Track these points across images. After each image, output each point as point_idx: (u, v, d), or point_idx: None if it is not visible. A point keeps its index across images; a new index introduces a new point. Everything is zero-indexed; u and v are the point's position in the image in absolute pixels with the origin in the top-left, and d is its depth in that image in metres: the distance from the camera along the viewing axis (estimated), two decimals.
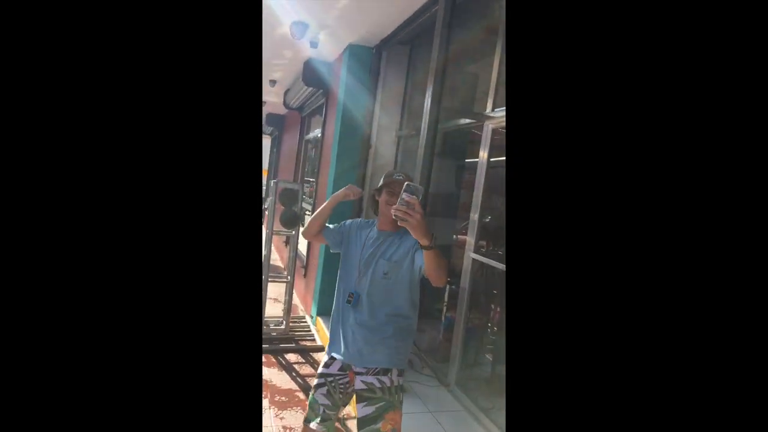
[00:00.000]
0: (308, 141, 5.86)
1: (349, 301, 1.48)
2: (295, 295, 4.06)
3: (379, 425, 1.37)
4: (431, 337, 3.36)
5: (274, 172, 9.12)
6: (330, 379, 1.50)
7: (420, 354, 3.15)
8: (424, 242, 1.23)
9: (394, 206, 1.19)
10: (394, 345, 1.43)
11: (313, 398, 1.51)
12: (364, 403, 1.40)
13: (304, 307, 4.36)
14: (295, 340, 3.47)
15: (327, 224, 1.67)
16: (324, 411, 1.48)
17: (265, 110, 7.70)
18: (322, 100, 4.46)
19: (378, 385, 1.40)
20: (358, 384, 1.43)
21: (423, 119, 2.54)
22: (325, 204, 1.63)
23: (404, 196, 1.19)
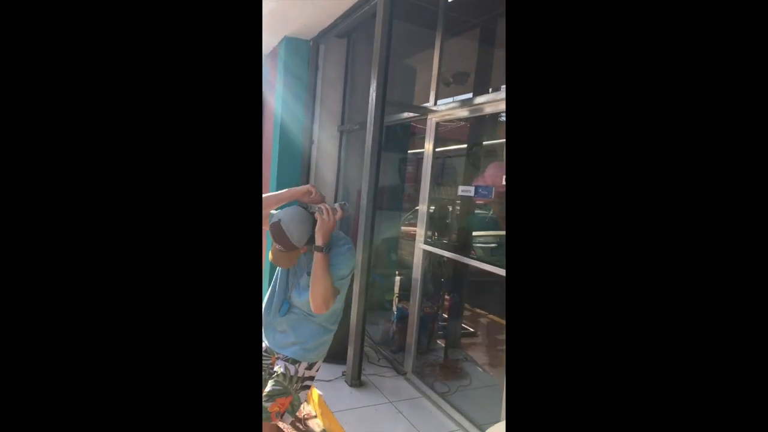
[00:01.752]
0: None
1: (279, 309, 1.61)
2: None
3: (269, 405, 1.50)
4: (385, 329, 3.41)
5: None
6: (266, 356, 1.62)
7: (375, 346, 3.18)
8: (319, 242, 1.41)
9: (324, 204, 1.44)
10: (309, 345, 1.57)
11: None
12: (272, 382, 1.54)
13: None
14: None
15: None
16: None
17: None
18: None
19: (283, 371, 1.54)
20: (276, 366, 1.58)
21: (368, 113, 2.54)
22: (281, 192, 1.56)
23: (337, 205, 1.46)
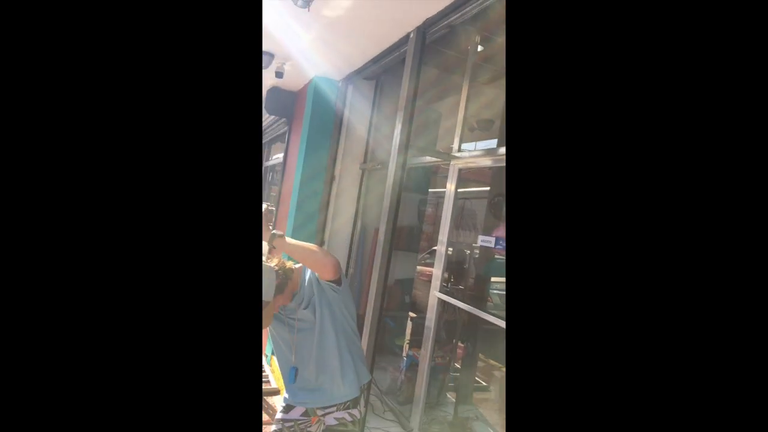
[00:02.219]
0: (268, 168, 5.73)
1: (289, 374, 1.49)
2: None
3: None
4: (393, 377, 3.26)
5: None
6: (289, 424, 1.48)
7: (381, 396, 3.03)
8: (264, 237, 1.33)
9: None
10: (351, 372, 1.46)
11: None
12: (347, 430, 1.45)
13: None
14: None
15: None
16: None
17: None
18: (285, 129, 4.38)
19: (350, 419, 1.45)
20: (330, 421, 1.45)
21: (391, 155, 2.53)
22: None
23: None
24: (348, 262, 3.61)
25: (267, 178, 5.78)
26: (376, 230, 3.90)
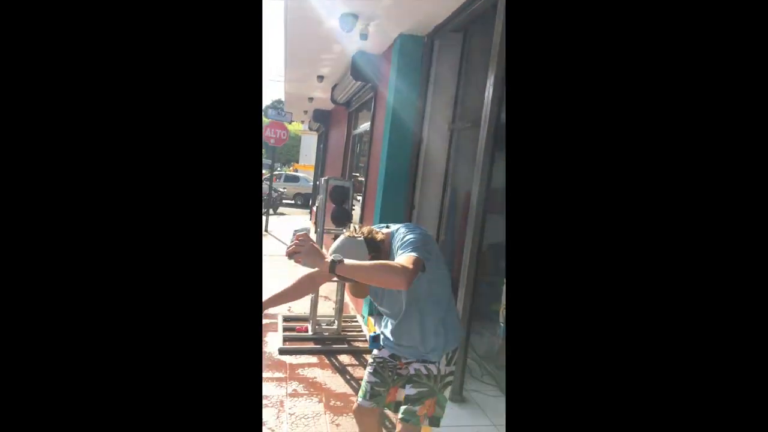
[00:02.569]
0: (356, 136, 5.79)
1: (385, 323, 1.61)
2: (345, 294, 4.01)
3: (417, 408, 1.45)
4: (490, 342, 3.19)
5: (321, 168, 9.18)
6: (380, 359, 1.60)
7: (479, 360, 2.99)
8: (321, 267, 1.22)
9: (288, 249, 1.25)
10: (433, 335, 1.48)
11: (365, 378, 1.62)
12: (411, 385, 1.50)
13: (354, 306, 4.31)
14: (347, 341, 3.41)
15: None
16: (372, 388, 1.58)
17: (312, 106, 7.73)
18: (371, 94, 4.35)
19: (425, 372, 1.49)
20: (411, 370, 1.52)
21: (483, 110, 2.36)
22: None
23: (293, 238, 1.27)
24: (439, 227, 3.54)
25: (355, 149, 5.87)
26: (468, 193, 3.76)
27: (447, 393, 1.51)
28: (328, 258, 1.22)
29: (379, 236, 1.46)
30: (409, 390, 1.48)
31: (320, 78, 5.34)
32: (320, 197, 3.37)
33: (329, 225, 3.40)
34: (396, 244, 1.40)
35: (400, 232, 1.43)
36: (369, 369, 1.61)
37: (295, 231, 1.28)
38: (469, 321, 2.48)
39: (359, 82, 4.35)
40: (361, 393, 1.61)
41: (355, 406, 1.63)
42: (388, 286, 1.34)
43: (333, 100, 5.89)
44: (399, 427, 1.46)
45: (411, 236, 1.37)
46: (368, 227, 1.49)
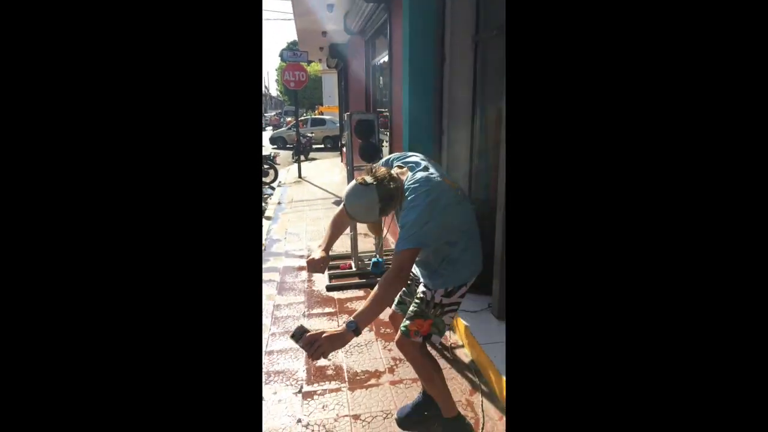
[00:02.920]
0: (376, 67, 5.53)
1: None
2: (385, 229, 4.04)
3: (409, 323, 1.58)
4: None
5: (345, 106, 8.95)
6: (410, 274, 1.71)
7: None
8: (347, 340, 1.27)
9: (313, 360, 1.29)
10: (435, 277, 1.56)
11: None
12: (413, 304, 1.62)
13: (394, 239, 4.36)
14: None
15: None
16: (401, 296, 1.77)
17: (327, 40, 7.38)
18: (385, 16, 4.05)
19: (422, 294, 1.59)
20: (418, 291, 1.63)
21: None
22: None
23: (301, 344, 1.25)
24: (471, 151, 3.39)
25: (377, 81, 5.62)
26: (500, 109, 3.55)
27: (447, 319, 1.58)
28: (345, 325, 1.26)
29: (392, 184, 1.43)
30: (411, 307, 1.61)
31: (330, 6, 5.02)
32: (345, 133, 3.29)
33: (358, 161, 3.35)
34: (403, 211, 1.40)
35: (407, 197, 1.41)
36: None
37: (294, 337, 1.27)
38: (503, 256, 2.43)
39: (371, 4, 4.05)
40: (394, 301, 1.82)
41: (390, 311, 1.83)
42: (397, 294, 1.47)
43: (347, 30, 5.58)
44: (398, 333, 1.63)
45: (408, 220, 1.36)
46: (384, 170, 1.45)
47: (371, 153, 3.26)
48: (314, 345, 1.22)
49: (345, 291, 3.24)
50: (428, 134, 3.34)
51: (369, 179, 1.41)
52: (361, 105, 6.35)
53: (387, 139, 4.39)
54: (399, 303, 1.78)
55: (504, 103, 2.36)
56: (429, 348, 1.73)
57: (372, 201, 1.39)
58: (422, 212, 1.36)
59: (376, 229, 1.56)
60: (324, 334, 1.23)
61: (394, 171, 1.49)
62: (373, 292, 1.32)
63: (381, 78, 5.41)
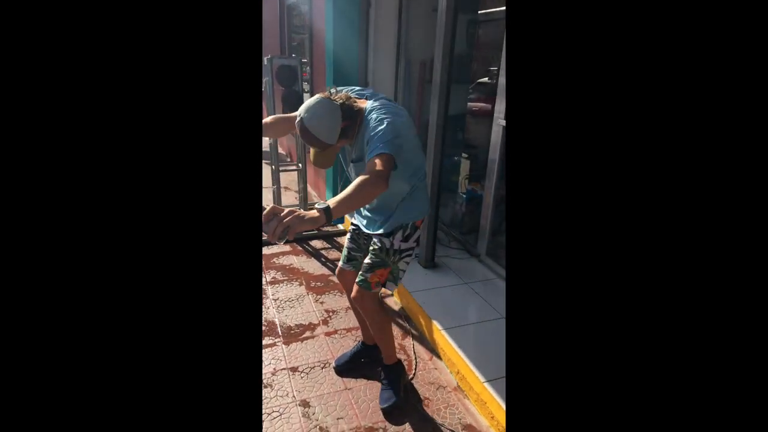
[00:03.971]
0: (290, 7, 5.12)
1: None
2: (307, 184, 3.94)
3: (368, 275, 1.57)
4: (453, 211, 3.33)
5: None
6: (354, 228, 1.72)
7: (444, 228, 3.15)
8: (318, 222, 1.08)
9: (271, 236, 1.02)
10: (392, 213, 1.53)
11: (344, 245, 1.77)
12: (369, 256, 1.59)
13: (317, 193, 4.28)
14: (316, 228, 3.44)
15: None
16: (349, 252, 1.74)
17: None
18: None
19: (379, 245, 1.56)
20: (372, 243, 1.61)
21: None
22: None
23: (265, 228, 1.02)
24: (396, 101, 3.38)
25: (291, 21, 5.22)
26: (422, 63, 3.55)
27: (402, 265, 1.60)
28: (317, 207, 1.09)
29: (357, 105, 1.40)
30: (367, 260, 1.59)
31: None
32: (266, 80, 3.06)
33: (281, 111, 3.16)
34: (368, 132, 1.33)
35: (372, 116, 1.36)
36: (347, 236, 1.76)
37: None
38: (438, 194, 2.53)
39: None
40: (341, 257, 1.78)
41: (337, 269, 1.81)
42: (374, 198, 1.32)
43: None
44: (355, 288, 1.62)
45: (381, 129, 1.31)
46: (346, 93, 1.40)
47: (294, 102, 3.09)
48: (278, 219, 1.01)
49: (271, 246, 3.15)
50: (353, 83, 3.24)
51: (335, 97, 1.34)
52: (275, 48, 5.89)
53: (308, 88, 4.17)
54: (349, 259, 1.74)
55: (436, 55, 2.36)
56: None
57: (336, 118, 1.32)
58: (392, 126, 1.30)
59: (327, 158, 1.42)
60: (289, 214, 1.03)
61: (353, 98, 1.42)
62: (351, 186, 1.18)
63: (296, 18, 5.04)
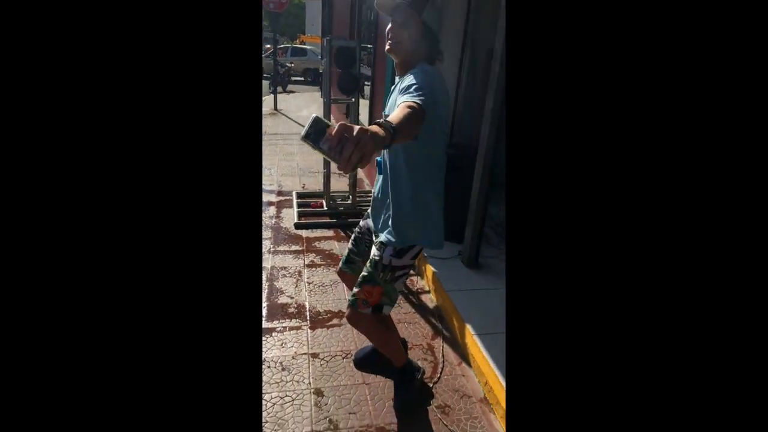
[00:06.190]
0: None
1: (378, 166, 1.42)
2: (359, 169, 3.90)
3: (357, 290, 1.42)
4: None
5: (328, 34, 8.36)
6: (358, 230, 1.61)
7: (495, 227, 2.94)
8: (387, 141, 0.89)
9: (340, 163, 0.76)
10: (404, 221, 1.37)
11: (347, 247, 1.65)
12: (364, 269, 1.44)
13: (369, 180, 4.23)
14: (362, 214, 3.39)
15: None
16: (349, 254, 1.61)
17: None
18: None
19: (376, 257, 1.40)
20: (371, 254, 1.45)
21: None
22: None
23: (325, 147, 0.75)
24: (457, 94, 3.21)
25: (362, 6, 5.18)
26: (490, 50, 3.33)
27: (399, 285, 1.42)
28: (381, 123, 0.92)
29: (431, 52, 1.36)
30: (363, 271, 1.43)
31: None
32: (324, 61, 3.03)
33: (337, 94, 3.12)
34: (406, 82, 1.21)
35: (415, 71, 1.24)
36: (352, 236, 1.64)
37: (316, 118, 0.77)
38: (487, 190, 2.35)
39: None
40: (342, 257, 1.66)
41: (337, 268, 1.69)
42: (418, 128, 1.09)
43: None
44: (347, 306, 1.45)
45: (417, 80, 1.18)
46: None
47: (351, 85, 3.04)
48: (353, 141, 0.74)
49: (314, 230, 3.15)
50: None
51: None
52: (344, 34, 5.91)
53: (370, 73, 4.12)
54: (348, 261, 1.61)
55: (496, 43, 2.17)
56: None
57: (425, 38, 1.31)
58: (431, 90, 1.16)
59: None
60: (361, 132, 0.76)
61: None
62: (397, 112, 1.04)
63: (370, 10, 4.99)
